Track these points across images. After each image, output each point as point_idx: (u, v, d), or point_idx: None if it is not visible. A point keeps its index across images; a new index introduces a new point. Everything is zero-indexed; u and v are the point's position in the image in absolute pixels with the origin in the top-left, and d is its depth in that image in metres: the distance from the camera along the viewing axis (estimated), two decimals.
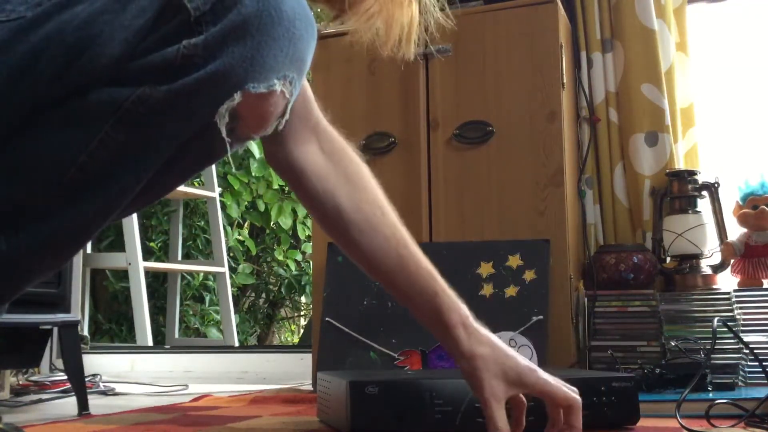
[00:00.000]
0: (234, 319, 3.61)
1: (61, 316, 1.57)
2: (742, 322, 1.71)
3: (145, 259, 3.23)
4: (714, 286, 1.91)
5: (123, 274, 3.77)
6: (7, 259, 0.64)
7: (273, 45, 0.66)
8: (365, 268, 0.96)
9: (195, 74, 0.63)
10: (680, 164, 2.06)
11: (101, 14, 0.63)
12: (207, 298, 4.42)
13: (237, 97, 0.65)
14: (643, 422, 1.11)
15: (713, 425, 1.10)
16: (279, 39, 0.66)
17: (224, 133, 0.66)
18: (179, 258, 3.87)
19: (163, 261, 3.95)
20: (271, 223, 4.71)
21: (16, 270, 0.66)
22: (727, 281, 1.94)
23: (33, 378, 2.05)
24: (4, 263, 0.65)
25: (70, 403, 1.65)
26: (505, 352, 0.93)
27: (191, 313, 4.35)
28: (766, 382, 1.48)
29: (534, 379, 0.93)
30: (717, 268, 1.94)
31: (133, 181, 0.66)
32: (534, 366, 0.94)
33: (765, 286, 1.86)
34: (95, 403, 1.69)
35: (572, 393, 0.94)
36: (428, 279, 0.93)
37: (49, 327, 1.66)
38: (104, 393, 1.98)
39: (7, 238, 0.64)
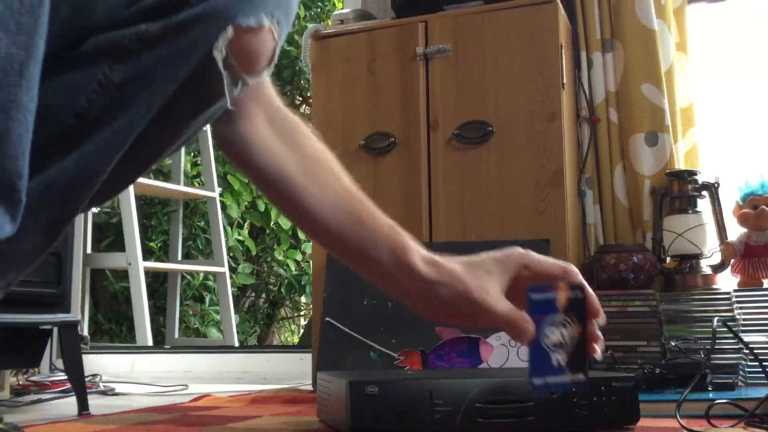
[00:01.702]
0: (234, 319, 3.62)
1: (61, 316, 1.57)
2: (742, 322, 1.71)
3: (145, 259, 3.23)
4: (714, 286, 1.91)
5: (123, 274, 3.77)
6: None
7: None
8: (312, 232, 0.91)
9: (190, 10, 0.65)
10: (680, 164, 2.06)
11: None
12: (207, 298, 4.42)
13: (230, 30, 0.66)
14: (643, 422, 1.11)
15: (713, 425, 1.10)
16: None
17: (221, 66, 0.66)
18: (179, 258, 3.87)
19: (163, 261, 3.95)
20: (271, 223, 4.71)
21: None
22: (727, 281, 1.94)
23: (33, 378, 2.05)
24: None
25: (70, 403, 1.65)
26: (479, 257, 0.89)
27: (191, 313, 4.35)
28: (766, 382, 1.48)
29: (516, 257, 0.89)
30: (717, 268, 1.94)
31: (131, 126, 0.66)
32: (514, 250, 0.89)
33: (765, 286, 1.86)
34: (95, 403, 1.69)
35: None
36: (389, 229, 0.88)
37: (49, 327, 1.66)
38: (104, 393, 1.98)
39: None
